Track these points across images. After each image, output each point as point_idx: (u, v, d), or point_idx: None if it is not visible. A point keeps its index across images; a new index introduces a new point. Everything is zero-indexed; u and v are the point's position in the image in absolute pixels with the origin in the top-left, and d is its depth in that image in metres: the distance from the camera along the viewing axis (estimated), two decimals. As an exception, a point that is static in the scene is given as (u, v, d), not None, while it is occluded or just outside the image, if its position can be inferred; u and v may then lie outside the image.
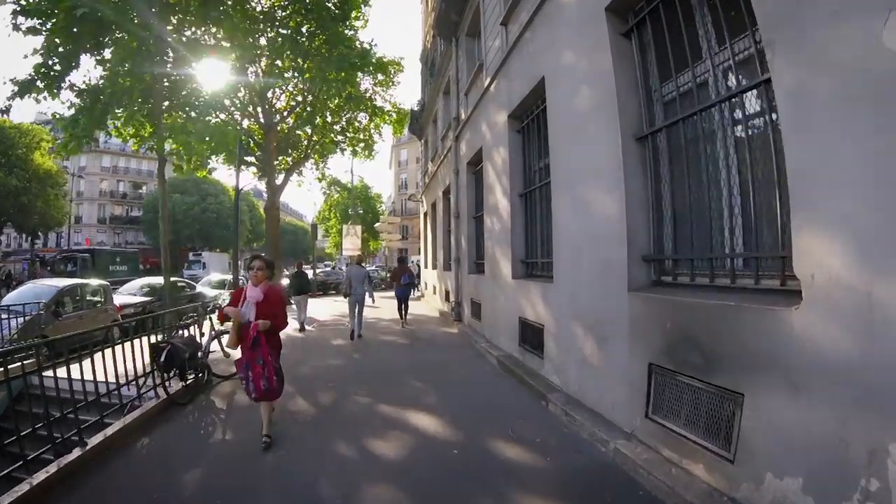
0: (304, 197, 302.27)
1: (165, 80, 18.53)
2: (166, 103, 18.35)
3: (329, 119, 22.86)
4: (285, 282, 27.19)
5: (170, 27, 15.72)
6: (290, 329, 13.19)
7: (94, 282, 14.65)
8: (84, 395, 5.38)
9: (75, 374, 5.42)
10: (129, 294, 16.90)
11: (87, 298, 13.21)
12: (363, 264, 12.81)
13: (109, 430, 5.27)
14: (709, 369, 3.62)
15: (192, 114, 17.45)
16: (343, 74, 18.62)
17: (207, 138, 16.52)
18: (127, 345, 6.52)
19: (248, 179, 24.02)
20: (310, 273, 27.73)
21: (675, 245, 4.44)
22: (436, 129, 18.82)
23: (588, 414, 5.07)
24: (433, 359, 8.90)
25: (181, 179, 55.05)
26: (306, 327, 13.25)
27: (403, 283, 13.39)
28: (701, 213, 4.14)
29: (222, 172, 66.93)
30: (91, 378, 5.55)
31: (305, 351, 10.19)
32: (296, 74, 20.99)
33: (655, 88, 4.71)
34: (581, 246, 5.48)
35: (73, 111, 13.69)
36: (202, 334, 8.37)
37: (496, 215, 8.88)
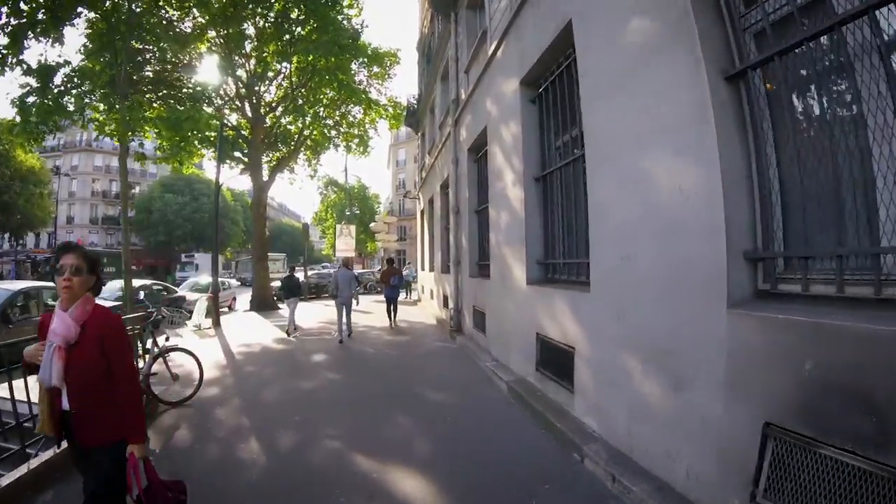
0: (302, 199, 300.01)
1: (149, 69, 17.23)
2: (148, 96, 17.16)
3: (322, 112, 21.41)
4: (276, 284, 25.89)
5: (145, 6, 14.30)
6: (270, 339, 11.69)
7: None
8: None
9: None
10: (99, 298, 15.40)
11: (48, 303, 11.75)
12: (350, 267, 12.60)
13: (-4, 486, 3.80)
14: (885, 442, 2.10)
15: (179, 107, 16.03)
16: (333, 59, 17.16)
17: (186, 128, 15.07)
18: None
19: (242, 179, 22.70)
20: (300, 275, 26.51)
21: (803, 236, 2.87)
22: (433, 119, 17.26)
23: (648, 482, 3.48)
24: (428, 382, 7.30)
25: (173, 179, 53.74)
26: (291, 336, 12.10)
27: (393, 283, 13.65)
28: (837, 184, 2.62)
29: (212, 170, 65.30)
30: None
31: (278, 367, 8.66)
32: (285, 65, 19.70)
33: (743, 11, 3.18)
34: (636, 239, 3.87)
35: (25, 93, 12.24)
36: (147, 351, 6.84)
37: (505, 206, 7.31)
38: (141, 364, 6.53)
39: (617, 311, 4.13)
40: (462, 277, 10.72)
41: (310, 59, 17.28)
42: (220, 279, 24.20)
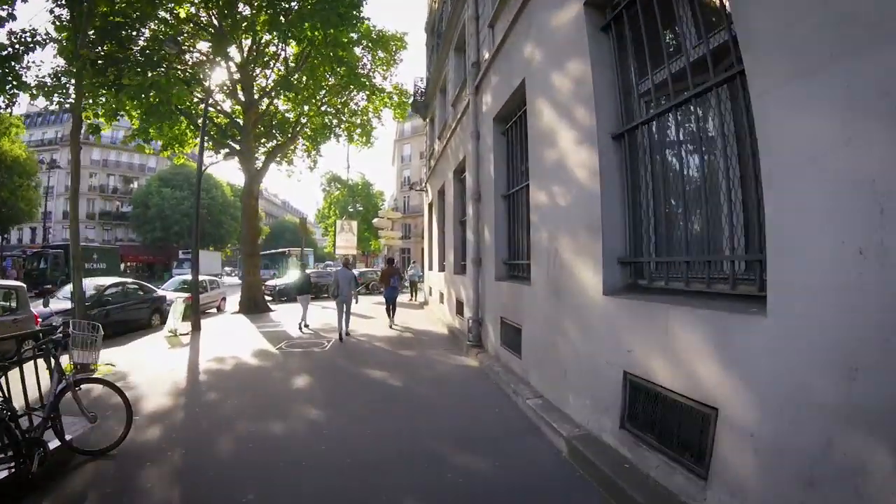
0: (306, 196, 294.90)
1: (136, 48, 15.22)
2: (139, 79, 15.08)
3: (323, 97, 19.60)
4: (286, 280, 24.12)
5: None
6: (250, 351, 9.57)
7: (6, 283, 11.41)
8: None
9: None
10: (63, 299, 13.51)
11: (2, 304, 10.01)
12: (349, 266, 12.79)
13: None
14: None
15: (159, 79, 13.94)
16: (332, 32, 15.13)
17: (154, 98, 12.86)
18: None
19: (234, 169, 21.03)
20: (297, 274, 24.61)
21: None
22: (444, 100, 15.20)
23: None
24: (445, 430, 5.19)
25: (171, 173, 52.02)
26: (276, 348, 10.14)
27: (392, 284, 13.92)
28: None
29: (214, 166, 63.95)
30: None
31: (247, 395, 6.59)
32: (283, 47, 17.84)
33: None
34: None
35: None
36: (57, 377, 4.81)
37: (560, 180, 5.19)
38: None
39: (848, 356, 2.05)
40: (484, 280, 8.62)
41: (306, 31, 15.27)
42: (210, 277, 22.38)
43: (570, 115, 4.84)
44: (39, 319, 10.96)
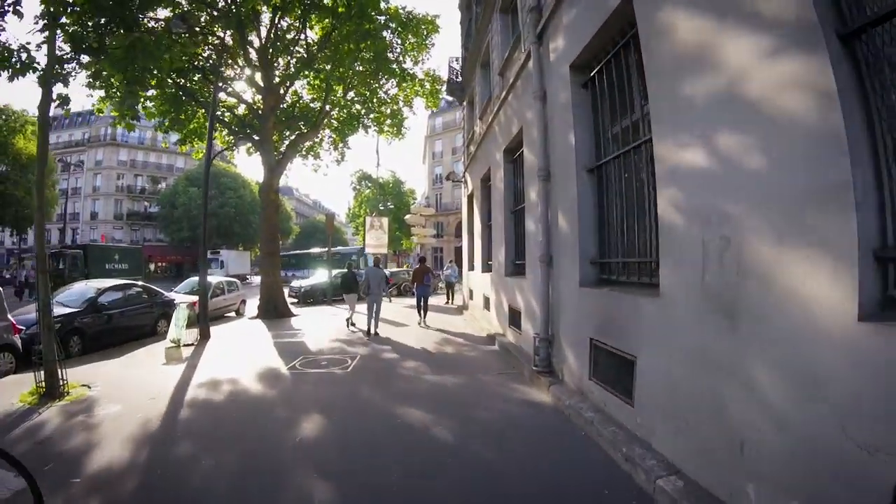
0: (338, 196, 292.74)
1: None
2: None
3: (349, 84, 18.05)
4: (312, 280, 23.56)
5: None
6: (255, 371, 7.55)
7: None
8: None
9: None
10: (57, 304, 11.84)
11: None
12: (380, 265, 12.98)
13: None
14: None
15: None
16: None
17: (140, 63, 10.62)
18: None
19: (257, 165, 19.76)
20: (324, 275, 23.03)
21: None
22: (487, 74, 13.17)
23: None
24: None
25: (198, 173, 50.91)
26: (287, 368, 8.22)
27: (425, 282, 14.01)
28: None
29: (243, 162, 63.31)
30: None
31: (232, 448, 4.68)
32: (302, 27, 16.40)
33: None
34: None
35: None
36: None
37: (735, 122, 3.02)
38: None
39: None
40: (558, 286, 6.46)
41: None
42: (228, 279, 20.65)
43: (749, 12, 2.77)
44: (21, 328, 9.41)
